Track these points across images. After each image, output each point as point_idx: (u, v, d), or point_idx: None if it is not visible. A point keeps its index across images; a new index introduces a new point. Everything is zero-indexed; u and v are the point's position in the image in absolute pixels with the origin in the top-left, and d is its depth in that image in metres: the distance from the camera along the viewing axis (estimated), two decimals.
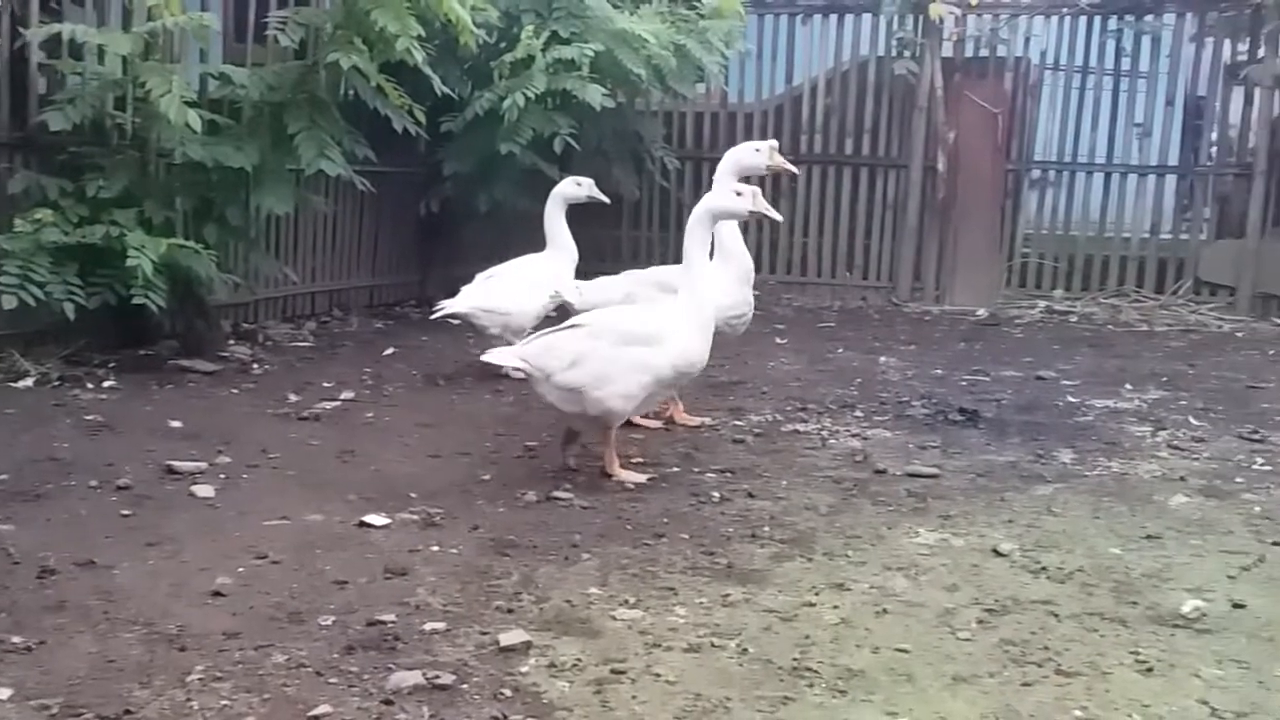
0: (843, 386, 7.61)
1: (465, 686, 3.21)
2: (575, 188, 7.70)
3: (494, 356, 5.41)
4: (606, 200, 8.09)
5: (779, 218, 5.74)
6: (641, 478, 5.33)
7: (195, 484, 5.01)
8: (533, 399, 6.98)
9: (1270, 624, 3.80)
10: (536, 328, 7.50)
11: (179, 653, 3.37)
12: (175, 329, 7.90)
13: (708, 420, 6.48)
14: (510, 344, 7.46)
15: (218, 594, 3.82)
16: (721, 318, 6.10)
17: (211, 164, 7.33)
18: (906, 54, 11.83)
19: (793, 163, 12.03)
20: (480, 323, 7.45)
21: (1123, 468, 5.73)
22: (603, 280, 6.91)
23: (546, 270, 7.48)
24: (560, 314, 7.43)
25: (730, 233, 6.46)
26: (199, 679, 3.21)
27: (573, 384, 5.18)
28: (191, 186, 7.57)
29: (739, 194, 5.45)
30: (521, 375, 5.39)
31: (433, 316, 7.56)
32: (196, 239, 7.26)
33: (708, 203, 5.45)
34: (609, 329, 5.29)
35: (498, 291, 7.41)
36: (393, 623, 3.60)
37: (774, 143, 6.69)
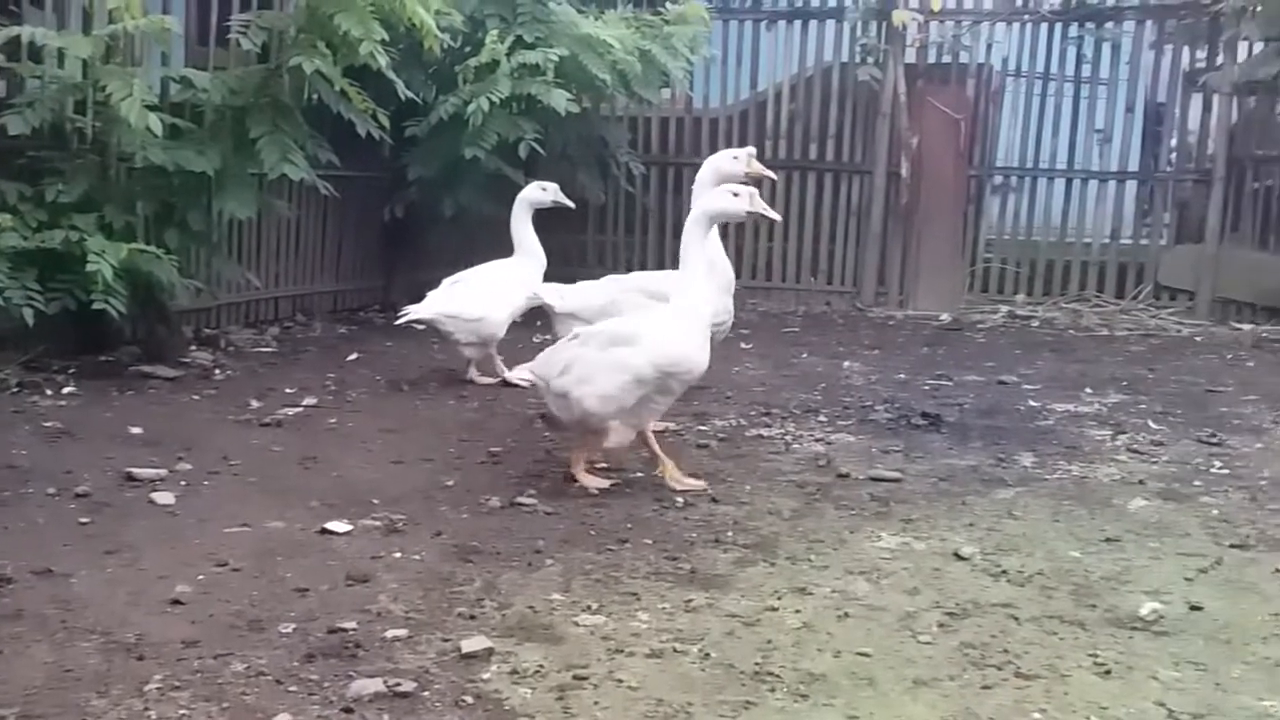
0: (807, 391, 7.64)
1: (426, 694, 3.19)
2: (540, 193, 7.69)
3: (511, 374, 5.63)
4: (572, 205, 8.10)
5: (777, 217, 5.72)
6: (605, 483, 5.32)
7: (155, 491, 4.96)
8: (499, 405, 7.01)
9: (1227, 626, 3.84)
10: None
11: (137, 661, 3.34)
12: (136, 334, 7.83)
13: (670, 425, 6.46)
14: (481, 351, 7.50)
15: (177, 602, 3.79)
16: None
17: (173, 168, 7.27)
18: (870, 60, 11.91)
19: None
20: (445, 329, 7.42)
21: (1083, 471, 5.78)
22: (584, 285, 6.87)
23: (514, 276, 7.46)
24: (531, 318, 7.45)
25: (712, 241, 6.40)
26: (157, 688, 3.18)
27: (562, 389, 5.22)
28: (152, 191, 7.52)
29: (735, 194, 5.37)
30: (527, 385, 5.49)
31: (397, 322, 7.54)
32: (158, 244, 7.21)
33: (705, 205, 5.40)
34: (595, 334, 5.32)
35: (463, 297, 7.38)
36: (354, 630, 3.58)
37: (752, 149, 6.65)
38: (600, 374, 5.14)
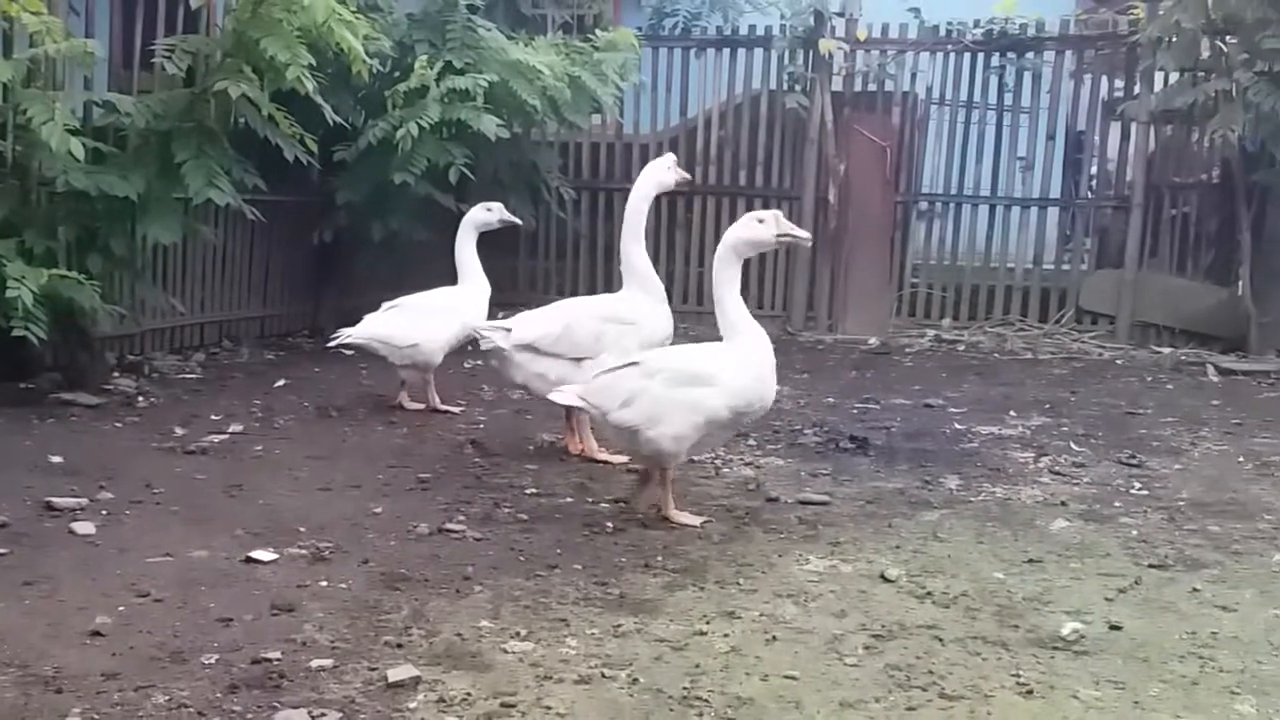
0: None
1: None
2: (486, 214, 7.66)
3: (558, 396, 5.36)
4: (519, 222, 8.10)
5: (807, 236, 5.55)
6: (697, 521, 5.19)
7: (75, 521, 4.88)
8: (429, 431, 6.97)
9: (1145, 645, 3.91)
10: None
11: (55, 695, 3.28)
12: (57, 361, 7.69)
13: (618, 459, 6.31)
14: (418, 376, 7.44)
15: (97, 634, 3.72)
16: (659, 341, 6.28)
17: (95, 193, 7.17)
18: (798, 88, 12.04)
19: (687, 194, 12.36)
20: (380, 353, 7.38)
21: (1006, 493, 5.87)
22: (534, 314, 6.53)
23: (454, 303, 7.44)
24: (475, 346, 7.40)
25: (640, 254, 6.47)
26: None
27: (626, 423, 5.12)
28: (74, 216, 7.40)
29: (761, 221, 5.26)
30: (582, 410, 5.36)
31: (330, 345, 7.48)
32: (80, 269, 7.09)
33: (732, 237, 5.28)
34: (663, 368, 5.19)
35: (398, 323, 7.32)
36: (278, 660, 3.54)
37: (672, 156, 6.73)
38: (674, 414, 5.07)
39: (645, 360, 5.30)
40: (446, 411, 7.44)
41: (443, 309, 7.38)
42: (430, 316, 7.33)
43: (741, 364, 5.19)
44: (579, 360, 6.26)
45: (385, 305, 7.49)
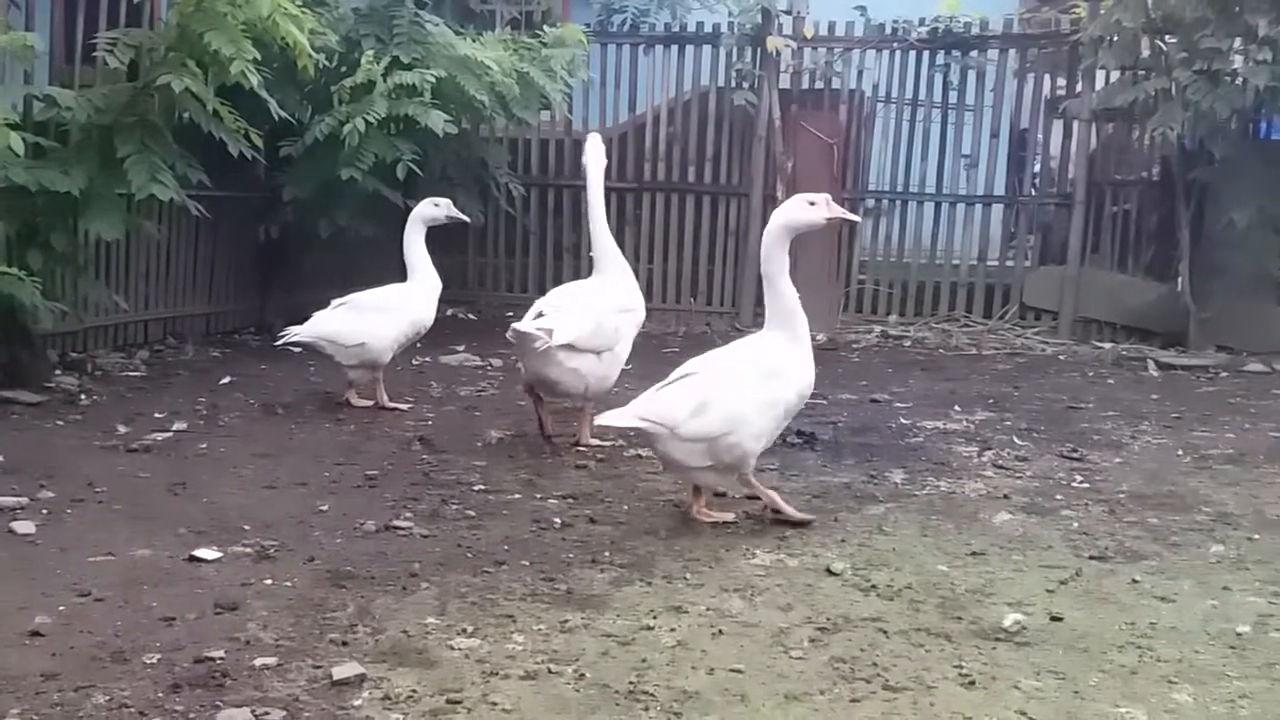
0: None
1: None
2: (433, 209, 7.62)
3: (609, 419, 5.05)
4: (467, 219, 8.08)
5: (857, 219, 5.64)
6: (730, 516, 5.21)
7: (15, 520, 4.82)
8: (376, 428, 6.93)
9: (1085, 636, 3.97)
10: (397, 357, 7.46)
11: None
12: None
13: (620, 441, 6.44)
14: (366, 375, 7.38)
15: (36, 634, 3.68)
16: (641, 321, 6.54)
17: (36, 188, 7.07)
18: (746, 85, 12.07)
19: (636, 190, 12.38)
20: (327, 352, 7.34)
21: (950, 487, 5.93)
22: (561, 312, 6.34)
23: (403, 299, 7.41)
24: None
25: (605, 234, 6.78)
26: None
27: (702, 433, 4.92)
28: (15, 211, 7.29)
29: (812, 203, 5.23)
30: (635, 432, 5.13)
31: (277, 343, 7.42)
32: (20, 265, 6.99)
33: (784, 218, 5.23)
34: (736, 367, 5.09)
35: (345, 321, 7.28)
36: (221, 659, 3.52)
37: (596, 136, 7.03)
38: (757, 413, 4.99)
39: (707, 365, 5.17)
40: (395, 409, 7.41)
41: (391, 307, 7.34)
42: (378, 315, 7.30)
43: (803, 350, 5.22)
44: (600, 354, 6.42)
45: (334, 303, 7.44)
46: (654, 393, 5.11)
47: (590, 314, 6.42)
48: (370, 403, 7.44)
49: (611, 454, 6.46)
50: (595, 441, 6.55)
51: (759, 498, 5.25)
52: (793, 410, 5.22)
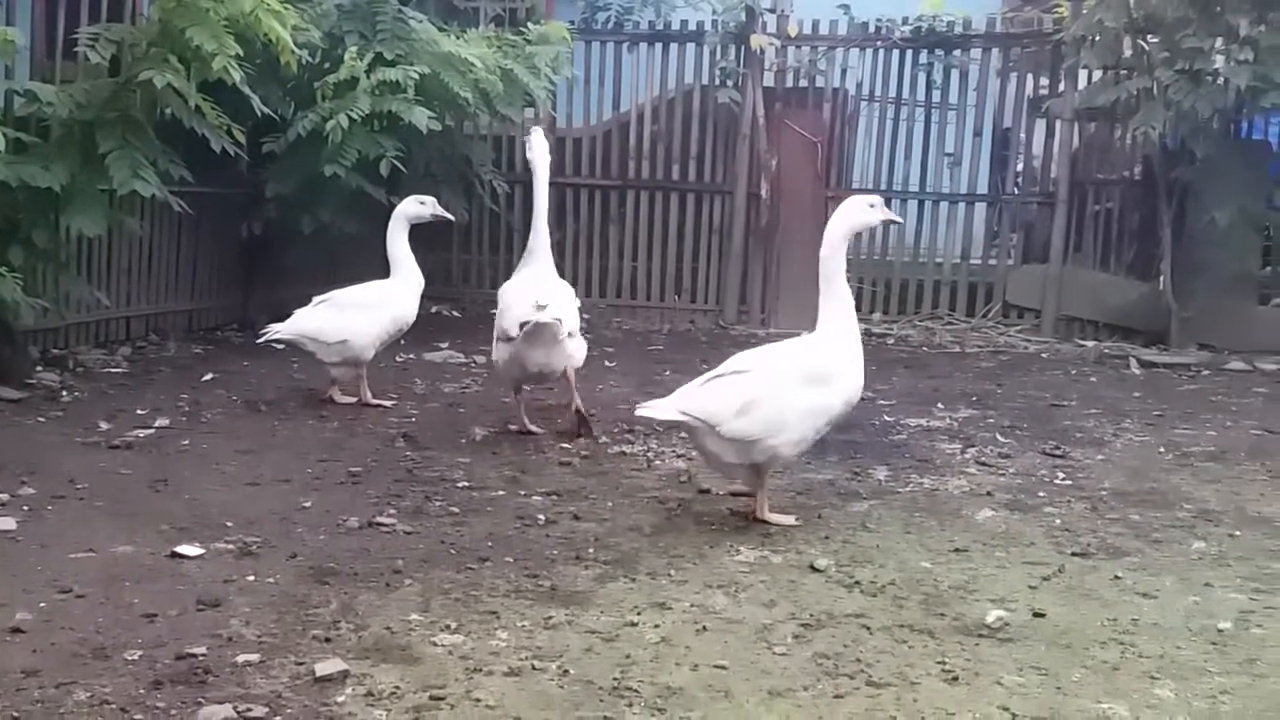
0: None
1: (279, 718, 3.14)
2: (419, 206, 7.59)
3: (650, 410, 4.96)
4: (451, 217, 8.06)
5: (901, 220, 5.86)
6: (792, 519, 5.15)
7: None
8: (360, 425, 6.91)
9: (1068, 632, 3.98)
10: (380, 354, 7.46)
11: None
12: None
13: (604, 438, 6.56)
14: (349, 372, 7.37)
15: (17, 630, 3.66)
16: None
17: (17, 184, 7.03)
18: (730, 83, 12.08)
19: (621, 188, 12.38)
20: (309, 349, 7.32)
21: (934, 484, 5.95)
22: (548, 297, 6.51)
23: (385, 296, 7.39)
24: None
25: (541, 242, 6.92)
26: None
27: (743, 434, 4.89)
28: None
29: (872, 205, 5.42)
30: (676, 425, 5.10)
31: (259, 341, 7.39)
32: (1, 262, 6.96)
33: (849, 220, 5.36)
34: (788, 370, 5.07)
35: (326, 318, 7.26)
36: (203, 655, 3.50)
37: (539, 128, 7.17)
38: (797, 419, 4.96)
39: (758, 364, 5.14)
40: (379, 405, 7.39)
41: (373, 304, 7.32)
42: (360, 312, 7.27)
43: (854, 357, 5.22)
44: (573, 336, 6.67)
45: (315, 300, 7.42)
46: (699, 386, 5.07)
47: (568, 300, 6.74)
48: (354, 399, 7.42)
49: (595, 451, 6.45)
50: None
51: (754, 495, 5.19)
52: (837, 418, 5.20)
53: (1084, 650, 3.83)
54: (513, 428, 6.85)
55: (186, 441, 6.35)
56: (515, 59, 10.20)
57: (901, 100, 12.45)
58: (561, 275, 10.03)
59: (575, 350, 6.68)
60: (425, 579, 4.29)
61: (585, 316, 7.04)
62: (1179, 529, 5.27)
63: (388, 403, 7.48)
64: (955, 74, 12.30)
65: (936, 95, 12.45)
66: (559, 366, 6.58)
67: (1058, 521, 5.33)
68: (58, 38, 8.44)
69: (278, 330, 7.23)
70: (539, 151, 7.09)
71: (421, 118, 9.18)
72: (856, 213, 5.39)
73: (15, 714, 3.11)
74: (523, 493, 5.55)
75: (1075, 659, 3.76)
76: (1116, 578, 4.56)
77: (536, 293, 6.51)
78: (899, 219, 5.67)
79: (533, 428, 6.80)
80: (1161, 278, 11.33)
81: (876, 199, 5.52)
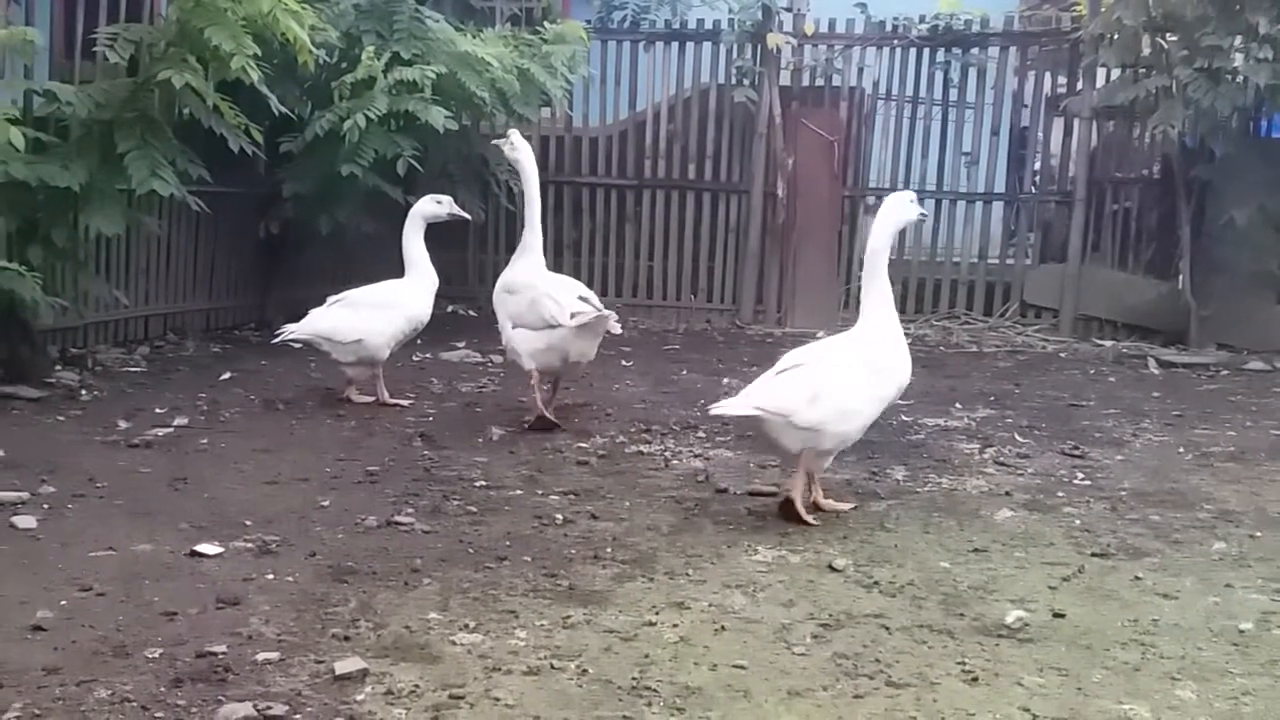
0: (686, 408, 7.69)
1: (298, 716, 3.15)
2: (435, 206, 7.59)
3: (723, 408, 5.09)
4: (468, 216, 8.07)
5: (926, 214, 6.17)
6: (847, 506, 5.36)
7: (16, 515, 4.80)
8: (377, 424, 6.92)
9: (1088, 632, 3.97)
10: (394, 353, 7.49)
11: None
12: None
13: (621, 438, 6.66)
14: (364, 371, 7.40)
15: (38, 628, 3.68)
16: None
17: (36, 183, 7.06)
18: (746, 82, 12.06)
19: (637, 187, 12.38)
20: (324, 349, 7.34)
21: (952, 484, 5.93)
22: (562, 293, 6.78)
23: (400, 295, 7.41)
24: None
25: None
26: (16, 717, 3.09)
27: (816, 422, 5.04)
28: (15, 207, 7.28)
29: (912, 200, 5.69)
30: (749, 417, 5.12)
31: (275, 341, 7.41)
32: (20, 261, 6.98)
33: (894, 215, 5.59)
34: (846, 360, 5.24)
35: (341, 318, 7.27)
36: (223, 654, 3.51)
37: (514, 132, 7.30)
38: (867, 405, 5.19)
39: (819, 357, 5.28)
40: (396, 405, 7.40)
41: (387, 303, 7.33)
42: (375, 311, 7.28)
43: (901, 345, 5.39)
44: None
45: (330, 300, 7.43)
46: (765, 382, 5.21)
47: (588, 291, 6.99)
48: (371, 399, 7.43)
49: (613, 451, 6.45)
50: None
51: (794, 486, 5.18)
52: (890, 403, 5.41)
53: (1104, 651, 3.81)
54: (527, 420, 6.89)
55: (205, 440, 6.37)
56: (532, 58, 10.20)
57: (919, 99, 12.42)
58: (578, 274, 10.13)
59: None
60: (444, 578, 4.29)
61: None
62: (1199, 529, 5.24)
63: (404, 402, 7.49)
64: (973, 72, 12.26)
65: (954, 94, 12.42)
66: (590, 356, 6.83)
67: (1077, 522, 5.31)
68: (76, 38, 8.47)
69: (293, 330, 7.25)
70: (522, 151, 7.17)
71: (438, 117, 9.18)
72: (901, 208, 5.62)
73: (37, 711, 3.12)
74: (540, 492, 5.56)
75: (1096, 660, 3.74)
76: (1137, 578, 4.54)
77: (570, 284, 6.86)
78: (925, 213, 5.88)
79: (553, 418, 6.84)
80: (1180, 277, 11.28)
81: (911, 194, 5.80)
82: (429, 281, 7.51)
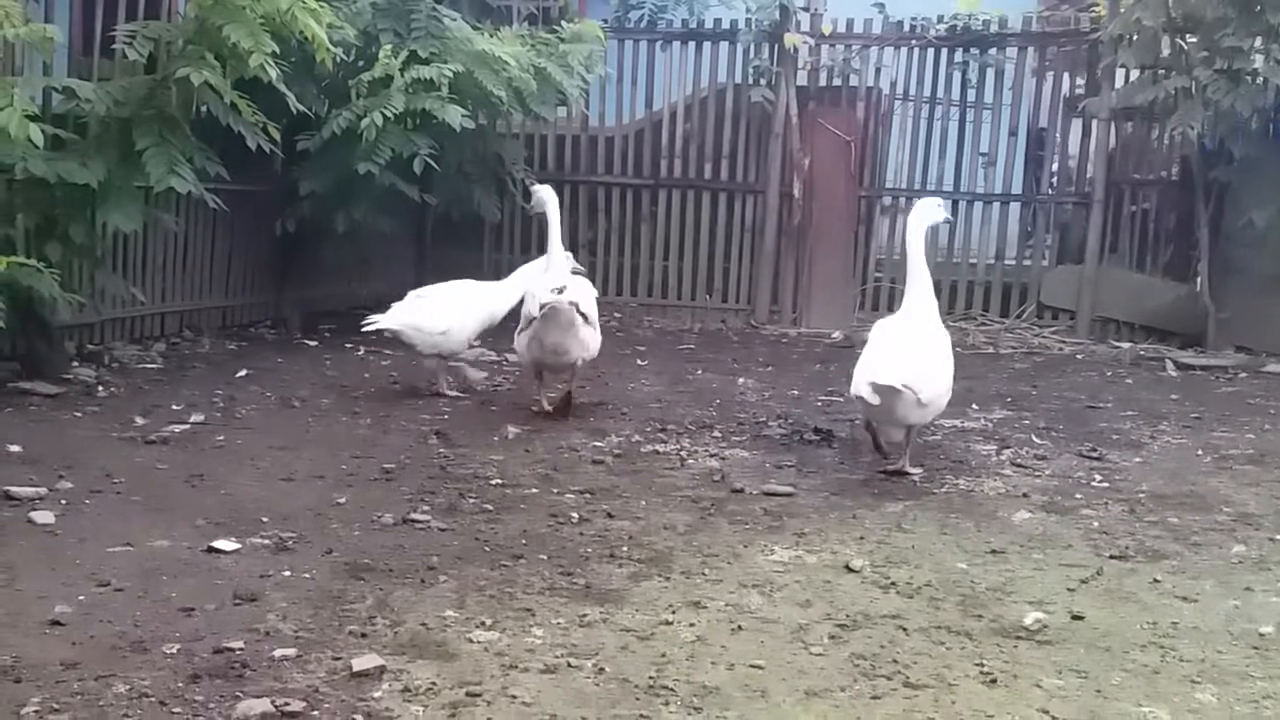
0: (702, 407, 7.69)
1: (316, 713, 3.15)
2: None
3: (877, 377, 5.60)
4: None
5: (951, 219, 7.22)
6: (919, 471, 6.02)
7: (34, 510, 4.81)
8: (393, 422, 6.92)
9: (1107, 634, 3.95)
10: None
11: (14, 684, 3.24)
12: (15, 350, 7.58)
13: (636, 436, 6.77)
14: (441, 364, 7.65)
15: (56, 623, 3.68)
16: None
17: (55, 180, 7.06)
18: (763, 82, 12.04)
19: (653, 187, 12.37)
20: (410, 340, 7.58)
21: (969, 485, 5.91)
22: (578, 287, 7.12)
23: (480, 292, 7.77)
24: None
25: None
26: (35, 711, 3.09)
27: (930, 399, 5.76)
28: (34, 203, 7.30)
29: (939, 204, 6.60)
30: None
31: (364, 328, 7.59)
32: (39, 257, 6.97)
33: (925, 218, 6.37)
34: (930, 339, 6.06)
35: (431, 310, 7.55)
36: (241, 650, 3.51)
37: (537, 186, 7.72)
38: (949, 382, 6.03)
39: (916, 335, 6.04)
40: (457, 397, 7.68)
41: (470, 299, 7.68)
42: (459, 305, 7.59)
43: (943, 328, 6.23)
44: (592, 326, 7.19)
45: (411, 294, 7.75)
46: (885, 360, 5.79)
47: (587, 292, 7.21)
48: (462, 394, 7.70)
49: (628, 449, 6.44)
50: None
51: (901, 455, 6.04)
52: None
53: (1123, 653, 3.79)
54: (534, 408, 7.19)
55: (221, 437, 6.38)
56: (549, 57, 10.19)
57: (936, 99, 12.38)
58: (593, 274, 10.13)
59: (590, 340, 7.08)
60: (460, 576, 4.29)
61: (616, 315, 7.06)
62: (1218, 532, 5.21)
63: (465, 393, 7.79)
64: (990, 73, 12.23)
65: (971, 94, 12.38)
66: (574, 350, 6.99)
67: (1095, 524, 5.28)
68: (95, 35, 8.49)
69: (381, 321, 7.52)
70: (550, 204, 7.44)
71: (455, 116, 9.18)
72: (928, 211, 6.44)
73: (55, 706, 3.13)
74: (556, 490, 5.55)
75: (1115, 662, 3.72)
76: (1155, 581, 4.52)
77: (558, 280, 7.00)
78: (951, 218, 6.48)
79: (548, 407, 7.17)
80: (1198, 279, 11.24)
81: (940, 200, 6.78)
82: (518, 287, 7.77)
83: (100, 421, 6.59)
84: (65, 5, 8.38)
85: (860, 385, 5.68)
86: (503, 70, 9.58)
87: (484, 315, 7.74)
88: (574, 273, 7.62)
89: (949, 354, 6.14)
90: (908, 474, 5.96)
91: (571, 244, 12.44)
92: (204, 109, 7.75)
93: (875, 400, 5.61)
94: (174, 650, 3.51)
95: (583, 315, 6.93)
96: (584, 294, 7.08)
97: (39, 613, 3.76)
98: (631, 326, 11.60)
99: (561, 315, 6.80)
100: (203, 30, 7.22)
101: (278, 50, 7.29)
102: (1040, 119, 12.50)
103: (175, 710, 3.14)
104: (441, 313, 7.55)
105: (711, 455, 6.38)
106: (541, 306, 6.78)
